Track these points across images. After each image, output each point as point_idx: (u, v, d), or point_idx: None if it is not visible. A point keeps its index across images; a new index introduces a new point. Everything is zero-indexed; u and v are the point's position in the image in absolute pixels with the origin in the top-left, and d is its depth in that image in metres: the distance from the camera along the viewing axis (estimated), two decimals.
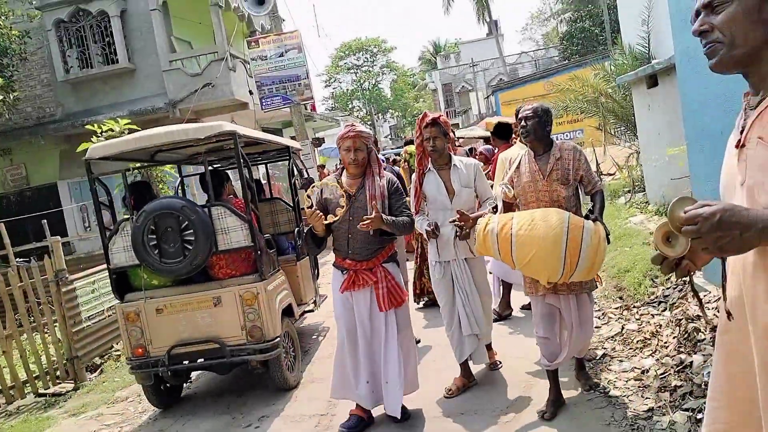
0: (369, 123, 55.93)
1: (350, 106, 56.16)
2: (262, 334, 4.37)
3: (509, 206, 3.68)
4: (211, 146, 5.19)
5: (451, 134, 4.25)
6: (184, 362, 4.47)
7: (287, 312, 4.89)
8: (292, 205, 6.34)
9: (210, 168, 4.98)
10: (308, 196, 3.53)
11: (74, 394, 5.76)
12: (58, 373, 6.05)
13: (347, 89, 56.24)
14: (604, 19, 24.93)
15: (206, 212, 4.43)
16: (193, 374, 5.45)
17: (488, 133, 7.99)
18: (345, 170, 3.75)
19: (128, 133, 7.77)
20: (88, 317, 6.37)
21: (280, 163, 9.64)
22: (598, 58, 15.56)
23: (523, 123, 3.50)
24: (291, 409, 4.37)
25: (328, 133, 26.24)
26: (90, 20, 12.60)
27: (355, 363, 3.71)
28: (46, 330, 6.16)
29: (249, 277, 4.49)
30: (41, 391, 5.89)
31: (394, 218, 3.57)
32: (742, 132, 1.43)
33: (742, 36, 1.38)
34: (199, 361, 4.51)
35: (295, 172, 6.34)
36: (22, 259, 10.85)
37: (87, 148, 7.56)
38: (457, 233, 3.64)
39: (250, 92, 12.72)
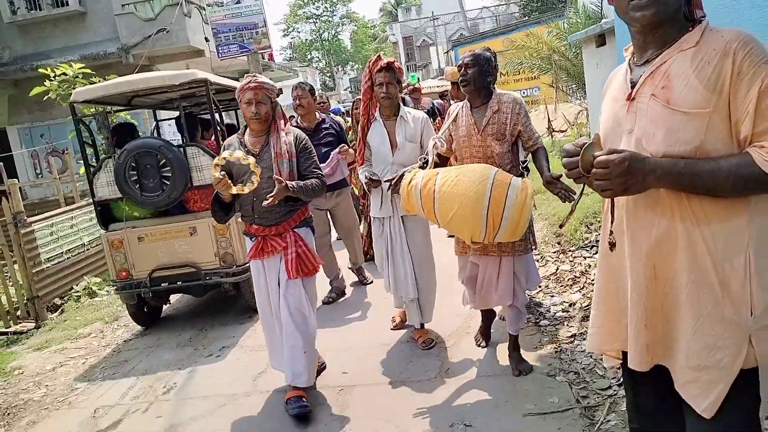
0: (329, 75, 55.27)
1: (309, 56, 55.32)
2: (233, 260, 4.88)
3: (446, 161, 3.56)
4: (184, 92, 5.44)
5: (403, 81, 4.16)
6: (164, 284, 4.96)
7: None
8: None
9: (184, 112, 5.30)
10: (216, 165, 3.18)
11: (36, 332, 5.91)
12: (19, 312, 6.19)
13: (306, 39, 55.26)
14: None
15: (182, 151, 4.84)
16: (172, 298, 5.97)
17: (448, 84, 8.16)
18: (248, 128, 3.44)
19: (82, 78, 7.76)
20: (48, 259, 6.47)
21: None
22: (556, 16, 15.85)
23: (462, 71, 3.25)
24: (249, 340, 4.68)
25: (285, 84, 25.93)
26: None
27: (272, 336, 3.54)
28: (6, 271, 6.26)
29: None
30: (2, 330, 6.03)
31: (301, 183, 3.28)
32: (633, 86, 1.59)
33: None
34: (178, 283, 4.98)
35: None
36: None
37: (40, 92, 7.57)
38: (390, 187, 3.54)
39: (206, 39, 12.57)
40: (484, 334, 3.92)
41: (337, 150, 5.03)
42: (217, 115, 5.18)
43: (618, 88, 1.68)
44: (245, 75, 3.38)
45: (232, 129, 6.92)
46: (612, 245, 1.63)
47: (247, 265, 4.71)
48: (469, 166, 3.09)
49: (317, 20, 54.54)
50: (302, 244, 3.40)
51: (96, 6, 12.30)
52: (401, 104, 3.93)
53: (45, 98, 7.73)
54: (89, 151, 5.47)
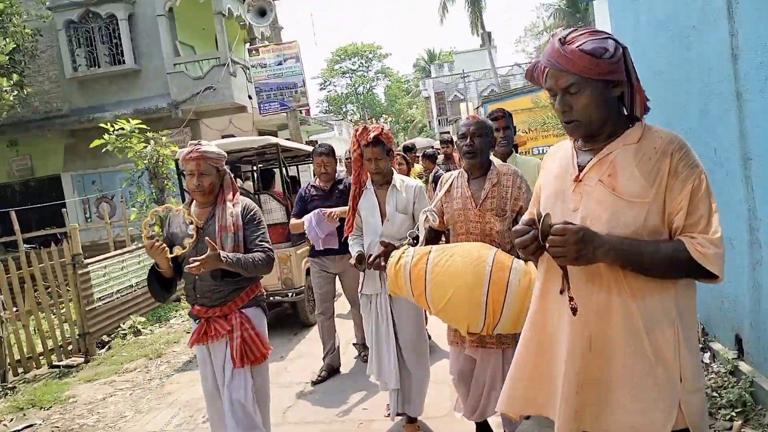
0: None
1: (344, 109, 56.97)
2: (293, 283, 6.22)
3: (439, 237, 3.26)
4: (258, 151, 6.97)
5: (394, 148, 4.03)
6: None
7: (308, 272, 6.23)
8: None
9: (260, 166, 7.33)
10: (146, 225, 3.01)
11: (85, 366, 6.43)
12: (70, 347, 6.73)
13: (342, 93, 57.04)
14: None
15: (257, 198, 6.43)
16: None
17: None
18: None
19: (137, 133, 8.55)
20: (99, 298, 7.06)
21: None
22: None
23: (468, 140, 2.94)
24: (281, 378, 5.11)
25: (321, 137, 27.00)
26: (99, 22, 13.29)
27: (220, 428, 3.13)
28: (62, 308, 6.85)
29: (285, 244, 6.30)
30: (55, 363, 6.57)
31: (239, 256, 2.91)
32: (581, 170, 1.73)
33: (596, 117, 1.67)
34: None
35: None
36: (28, 246, 11.51)
37: (99, 144, 8.34)
38: (366, 264, 3.22)
39: (249, 97, 13.45)
40: None
41: (317, 211, 4.74)
42: (284, 170, 6.94)
43: (562, 167, 1.81)
44: (189, 143, 3.09)
45: (294, 181, 8.77)
46: (574, 310, 1.67)
47: (302, 287, 5.84)
48: (465, 245, 2.74)
49: (353, 75, 56.43)
50: (250, 327, 3.01)
51: (150, 64, 13.34)
52: (394, 172, 3.75)
53: (103, 150, 8.51)
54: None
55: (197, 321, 3.08)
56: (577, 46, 1.62)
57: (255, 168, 7.08)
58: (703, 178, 1.62)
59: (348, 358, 5.27)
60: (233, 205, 3.06)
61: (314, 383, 4.87)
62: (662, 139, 1.65)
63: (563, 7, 34.81)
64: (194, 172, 2.99)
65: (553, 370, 1.77)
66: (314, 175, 5.34)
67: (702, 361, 3.81)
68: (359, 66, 56.46)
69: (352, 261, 3.55)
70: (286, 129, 14.73)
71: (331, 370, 5.02)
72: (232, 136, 14.77)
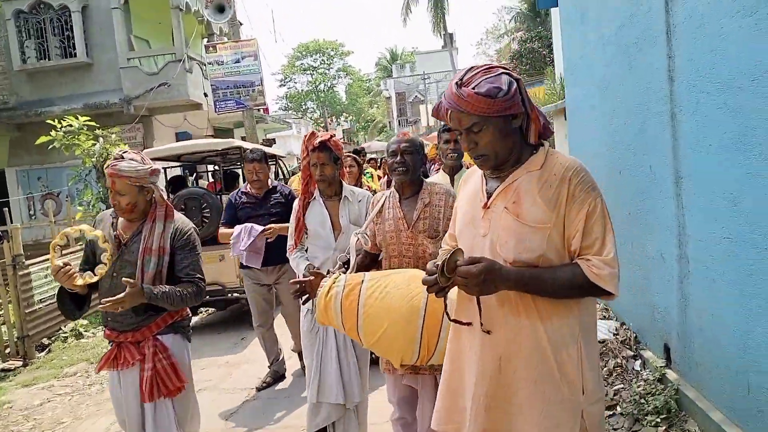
0: (323, 125, 56.52)
1: (304, 107, 56.56)
2: None
3: (375, 260, 3.03)
4: (220, 152, 7.37)
5: (344, 159, 3.93)
6: None
7: None
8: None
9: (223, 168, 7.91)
10: (55, 247, 2.73)
11: (23, 369, 6.24)
12: (8, 350, 6.51)
13: (302, 90, 56.63)
14: (552, 42, 26.29)
15: (218, 198, 6.66)
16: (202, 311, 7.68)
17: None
18: None
19: (86, 129, 8.31)
20: (40, 300, 6.84)
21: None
22: (538, 81, 16.73)
23: (399, 158, 2.83)
24: (226, 383, 5.06)
25: (279, 135, 26.79)
26: (50, 13, 12.87)
27: None
28: (0, 310, 6.62)
29: None
30: None
31: (165, 289, 2.66)
32: (489, 196, 1.82)
33: (500, 150, 1.77)
34: (207, 297, 6.11)
35: (279, 173, 8.93)
36: None
37: (45, 141, 8.08)
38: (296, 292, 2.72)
39: (205, 94, 13.24)
40: None
41: (249, 226, 4.61)
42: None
43: (473, 193, 1.91)
44: (113, 156, 2.77)
45: None
46: (488, 332, 1.78)
47: None
48: (399, 273, 2.53)
49: (314, 72, 56.07)
50: (164, 356, 2.72)
51: (102, 58, 12.98)
52: (343, 183, 3.56)
53: (50, 147, 8.24)
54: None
55: (111, 344, 2.83)
56: (473, 89, 1.69)
57: (217, 169, 7.74)
58: (598, 201, 1.72)
59: (293, 363, 5.25)
60: (164, 226, 2.79)
61: (258, 389, 4.84)
62: (561, 164, 1.75)
63: (524, 11, 35.38)
64: (112, 190, 2.70)
65: (466, 390, 1.85)
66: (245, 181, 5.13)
67: (633, 368, 3.94)
68: (320, 63, 56.10)
69: (300, 273, 3.32)
70: (242, 127, 14.57)
71: (277, 376, 4.98)
72: (187, 133, 14.54)
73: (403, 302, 2.37)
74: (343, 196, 3.48)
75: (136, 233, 2.77)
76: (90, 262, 2.84)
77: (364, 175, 7.13)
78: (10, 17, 12.75)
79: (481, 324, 1.78)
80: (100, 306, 2.55)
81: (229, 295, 6.52)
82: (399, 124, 43.95)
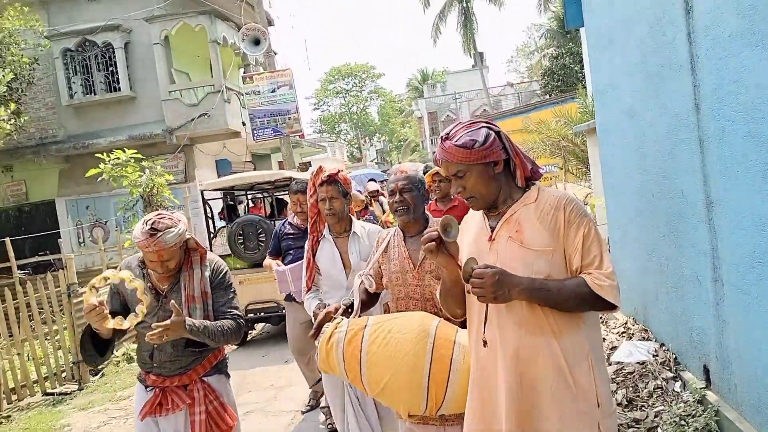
0: (356, 146, 57.18)
1: (338, 129, 57.35)
2: None
3: (377, 298, 2.93)
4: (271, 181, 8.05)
5: (354, 193, 3.88)
6: (253, 314, 7.23)
7: None
8: None
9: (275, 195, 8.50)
10: (93, 287, 2.56)
11: (79, 393, 6.54)
12: (64, 375, 6.83)
13: (335, 112, 57.46)
14: (584, 58, 26.25)
15: (273, 224, 7.07)
16: (258, 327, 8.45)
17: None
18: None
19: (133, 162, 8.72)
20: None
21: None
22: (570, 98, 16.75)
23: (398, 197, 2.73)
24: (271, 405, 5.24)
25: (314, 158, 27.27)
26: (95, 50, 13.54)
27: None
28: (56, 335, 6.96)
29: None
30: (48, 390, 6.67)
31: (206, 323, 2.63)
32: (492, 230, 2.01)
33: (486, 192, 2.00)
34: (262, 314, 7.21)
35: None
36: (22, 272, 11.62)
37: (95, 173, 8.50)
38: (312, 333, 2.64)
39: (243, 123, 13.67)
40: None
41: (298, 269, 4.06)
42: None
43: (476, 231, 2.10)
44: (141, 224, 2.61)
45: None
46: (485, 342, 1.96)
47: None
48: (404, 317, 2.44)
49: (346, 95, 56.89)
50: (214, 398, 2.72)
51: (145, 91, 13.57)
52: (353, 219, 3.45)
53: (99, 179, 8.68)
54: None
55: (149, 390, 2.71)
56: (454, 142, 1.97)
57: (268, 196, 8.64)
58: (591, 225, 1.95)
59: None
60: (202, 270, 2.73)
61: (303, 412, 4.98)
62: (554, 196, 2.00)
63: (554, 28, 35.40)
64: (156, 260, 2.60)
65: (497, 413, 1.98)
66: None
67: (674, 390, 3.98)
68: (353, 86, 56.94)
69: (311, 314, 3.16)
70: (279, 152, 14.94)
71: (318, 397, 5.02)
72: (227, 160, 14.99)
73: (408, 347, 2.28)
74: (352, 232, 3.36)
75: (174, 283, 2.71)
76: (115, 307, 2.73)
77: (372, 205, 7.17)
78: (58, 55, 13.45)
79: (484, 341, 1.96)
80: (149, 335, 2.46)
81: (283, 311, 6.67)
82: (431, 143, 44.12)
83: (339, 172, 3.32)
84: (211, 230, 8.23)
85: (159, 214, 2.65)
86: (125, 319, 2.53)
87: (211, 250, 7.52)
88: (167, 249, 2.57)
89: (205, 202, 8.14)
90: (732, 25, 2.85)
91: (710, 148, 3.24)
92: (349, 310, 2.63)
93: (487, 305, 1.96)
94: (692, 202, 3.56)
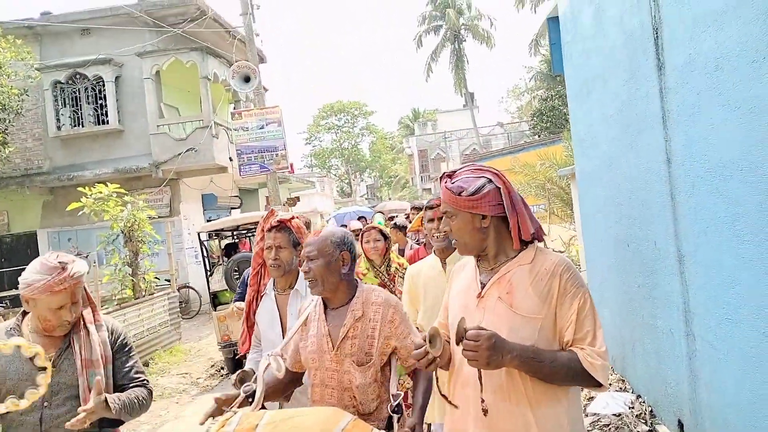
0: (346, 182, 57.42)
1: (329, 164, 57.62)
2: None
3: (296, 379, 2.48)
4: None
5: (368, 232, 3.84)
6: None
7: None
8: None
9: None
10: None
11: None
12: None
13: (327, 148, 57.82)
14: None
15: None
16: None
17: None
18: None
19: (115, 196, 8.67)
20: None
21: None
22: (557, 140, 16.98)
23: (305, 266, 2.30)
24: None
25: (303, 193, 27.31)
26: (86, 83, 13.60)
27: None
28: None
29: None
30: None
31: (124, 399, 2.23)
32: (483, 287, 1.92)
33: (469, 240, 1.93)
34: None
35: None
36: None
37: (76, 207, 8.44)
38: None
39: (230, 159, 13.69)
40: None
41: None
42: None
43: (466, 284, 2.02)
44: (45, 263, 2.16)
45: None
46: (485, 412, 1.81)
47: None
48: (307, 414, 2.02)
49: (338, 131, 57.36)
50: None
51: (133, 125, 13.59)
52: (301, 274, 2.86)
53: (80, 213, 8.61)
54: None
55: None
56: (448, 183, 1.94)
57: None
58: (587, 297, 1.85)
59: None
60: (97, 328, 2.30)
61: None
62: (551, 261, 1.88)
63: (544, 70, 36.11)
64: (65, 303, 2.18)
65: None
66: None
67: None
68: (345, 122, 57.46)
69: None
70: (266, 187, 14.95)
71: None
72: (213, 195, 14.96)
73: None
74: (294, 288, 2.89)
75: (64, 347, 2.24)
76: None
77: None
78: (48, 87, 13.49)
79: (482, 400, 1.82)
80: (69, 424, 2.05)
81: None
82: (421, 180, 44.40)
83: (293, 218, 2.97)
84: (207, 267, 8.60)
85: (50, 254, 2.25)
86: (20, 397, 2.04)
87: (208, 286, 8.22)
88: (79, 285, 2.21)
89: (201, 242, 8.68)
90: (700, 84, 2.90)
91: (681, 202, 3.26)
92: (250, 400, 2.14)
93: (479, 371, 1.80)
94: (665, 254, 3.57)
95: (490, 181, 1.90)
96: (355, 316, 2.26)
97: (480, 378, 1.83)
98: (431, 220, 3.09)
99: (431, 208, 3.08)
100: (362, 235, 4.35)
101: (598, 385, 1.81)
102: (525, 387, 1.82)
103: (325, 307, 2.35)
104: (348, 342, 2.24)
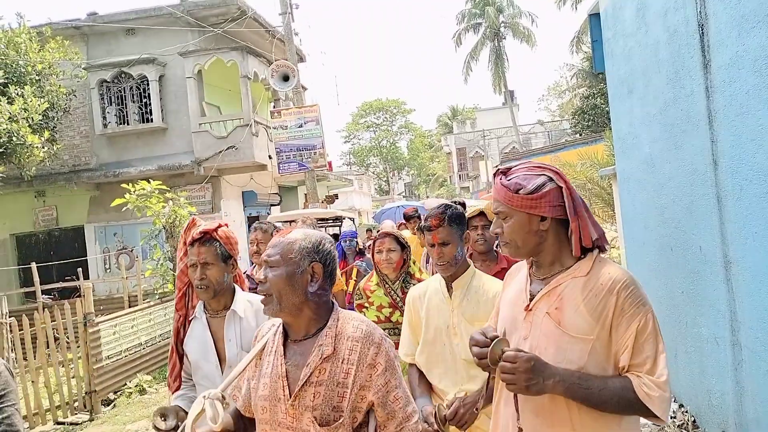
0: (384, 179, 57.51)
1: (367, 162, 57.80)
2: None
3: (250, 424, 1.86)
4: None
5: (381, 242, 3.27)
6: None
7: None
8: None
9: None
10: None
11: (89, 424, 6.52)
12: (76, 404, 6.84)
13: (365, 146, 58.02)
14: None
15: None
16: None
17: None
18: None
19: (157, 193, 8.86)
20: (108, 356, 7.19)
21: None
22: (599, 139, 16.62)
23: (261, 273, 1.77)
24: None
25: (341, 191, 27.48)
26: (130, 82, 13.92)
27: None
28: (71, 365, 7.00)
29: None
30: (60, 419, 6.67)
31: None
32: (531, 298, 1.75)
33: (522, 243, 1.74)
34: None
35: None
36: (46, 296, 11.83)
37: (120, 203, 8.66)
38: None
39: (270, 156, 13.84)
40: None
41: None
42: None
43: (516, 293, 1.85)
44: None
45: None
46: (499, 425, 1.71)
47: None
48: None
49: (377, 129, 57.48)
50: None
51: (176, 123, 13.87)
52: (237, 289, 2.54)
53: (123, 209, 8.83)
54: None
55: None
56: (503, 180, 1.76)
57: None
58: (649, 318, 1.63)
59: None
60: None
61: None
62: (609, 276, 1.66)
63: (585, 68, 35.39)
64: None
65: None
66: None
67: None
68: (383, 120, 57.56)
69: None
70: (305, 185, 15.07)
71: None
72: (253, 192, 15.15)
73: None
74: (231, 310, 2.45)
75: None
76: None
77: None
78: (94, 86, 13.86)
79: (520, 429, 1.69)
80: None
81: None
82: (459, 179, 44.10)
83: (219, 227, 2.47)
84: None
85: None
86: None
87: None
88: None
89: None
90: (749, 82, 2.77)
91: (728, 205, 3.13)
92: None
93: (516, 396, 1.67)
94: (711, 260, 3.44)
95: (551, 179, 1.71)
96: (323, 354, 1.68)
97: (516, 403, 1.69)
98: (432, 245, 2.49)
99: (429, 230, 2.49)
100: (374, 243, 3.49)
101: (655, 417, 1.60)
102: (570, 412, 1.64)
103: (286, 337, 1.77)
104: (310, 390, 1.65)
